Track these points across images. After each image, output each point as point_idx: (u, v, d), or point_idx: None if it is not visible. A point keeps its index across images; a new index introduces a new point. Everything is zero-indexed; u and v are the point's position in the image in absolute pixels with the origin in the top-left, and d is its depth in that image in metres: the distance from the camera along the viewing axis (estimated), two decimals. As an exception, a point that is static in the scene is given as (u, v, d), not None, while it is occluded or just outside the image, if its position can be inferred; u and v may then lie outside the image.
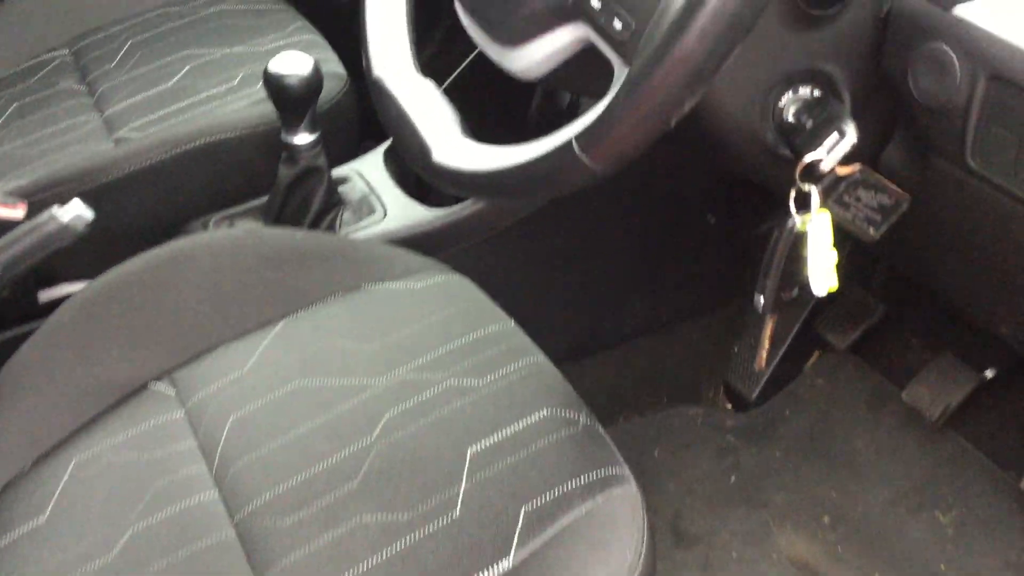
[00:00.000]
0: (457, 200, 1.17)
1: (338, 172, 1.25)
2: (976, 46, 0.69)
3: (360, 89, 1.31)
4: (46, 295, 1.22)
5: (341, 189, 1.22)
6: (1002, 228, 0.76)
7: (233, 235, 1.06)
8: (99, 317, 0.97)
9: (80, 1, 1.49)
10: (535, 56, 0.73)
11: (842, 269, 0.78)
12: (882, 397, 1.33)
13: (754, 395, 1.39)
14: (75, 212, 1.02)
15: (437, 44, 1.54)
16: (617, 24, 0.64)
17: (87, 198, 1.15)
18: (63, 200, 1.08)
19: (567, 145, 0.65)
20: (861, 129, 0.74)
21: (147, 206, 1.21)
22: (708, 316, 1.42)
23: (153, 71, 1.34)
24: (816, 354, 1.40)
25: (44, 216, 1.02)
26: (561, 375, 0.90)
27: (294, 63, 1.10)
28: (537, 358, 0.91)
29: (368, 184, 1.24)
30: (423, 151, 0.77)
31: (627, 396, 1.40)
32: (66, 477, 0.82)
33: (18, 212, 1.03)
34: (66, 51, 1.41)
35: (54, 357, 0.94)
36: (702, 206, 1.35)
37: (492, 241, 1.22)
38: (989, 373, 1.24)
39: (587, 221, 1.29)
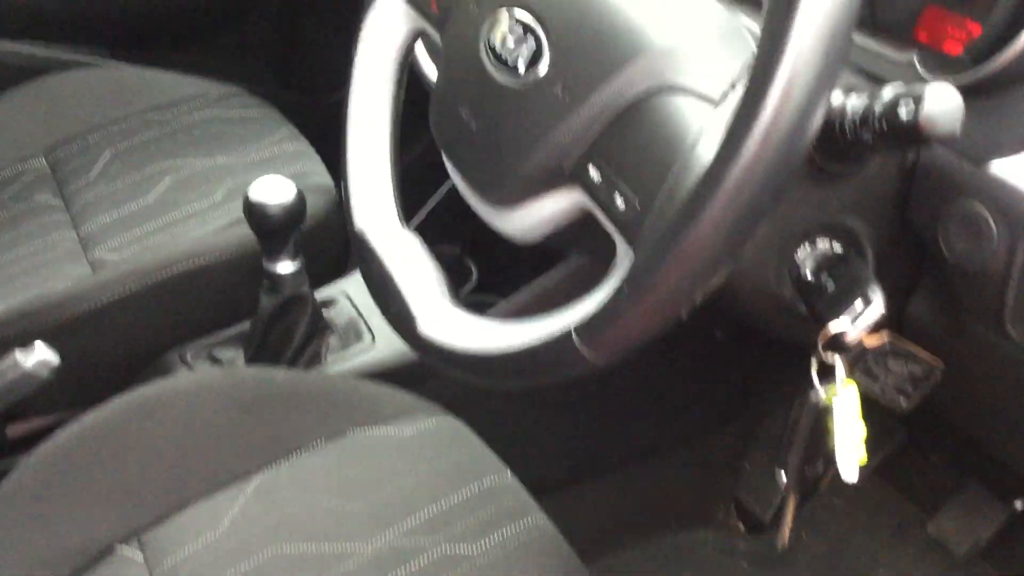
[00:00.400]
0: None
1: (324, 294, 1.19)
2: (1016, 208, 0.63)
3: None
4: (15, 430, 1.15)
5: (327, 313, 1.16)
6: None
7: (208, 378, 0.99)
8: (62, 474, 0.91)
9: (58, 106, 1.43)
10: (529, 220, 0.67)
11: (870, 440, 0.70)
12: (905, 524, 1.25)
13: (768, 516, 1.31)
14: (39, 357, 0.96)
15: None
16: (619, 201, 0.58)
17: (60, 330, 1.10)
18: (36, 334, 1.02)
19: (566, 336, 0.58)
20: (885, 283, 0.67)
21: (123, 336, 1.14)
22: (717, 432, 1.35)
23: (133, 184, 1.28)
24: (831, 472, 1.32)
25: (7, 362, 0.96)
26: (563, 539, 0.83)
27: (276, 189, 1.04)
28: (536, 519, 0.84)
29: (355, 307, 1.18)
30: (408, 320, 0.70)
31: (633, 520, 1.32)
32: None
33: None
34: (42, 160, 1.35)
35: (11, 524, 0.87)
36: (709, 321, 1.28)
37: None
38: (1019, 504, 1.16)
39: None
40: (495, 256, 1.38)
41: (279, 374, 1.00)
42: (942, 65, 0.70)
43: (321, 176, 1.27)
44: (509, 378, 0.63)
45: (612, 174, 0.59)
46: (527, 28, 0.65)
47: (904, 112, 0.55)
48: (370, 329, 1.15)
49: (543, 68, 0.64)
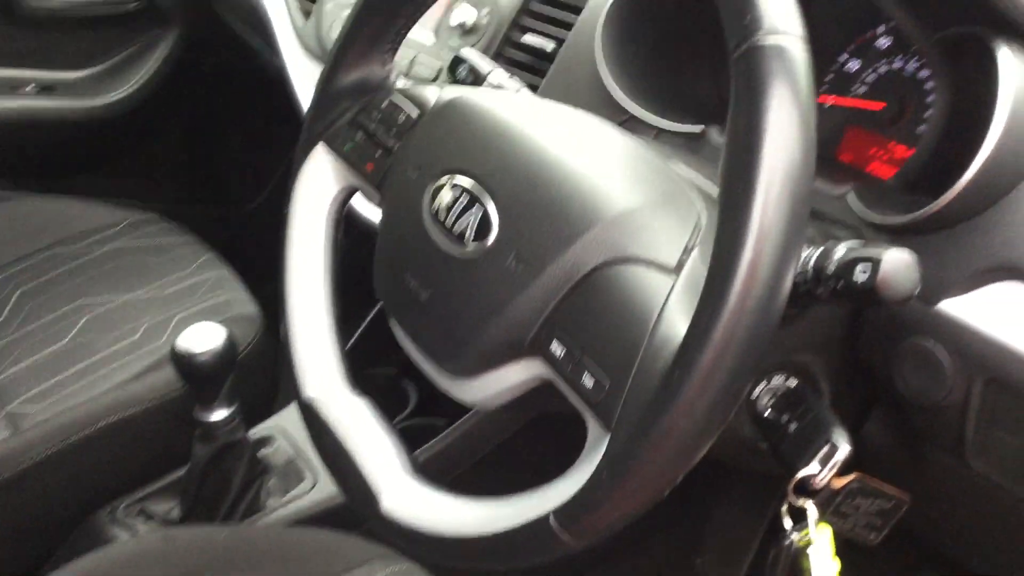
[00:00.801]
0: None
1: (259, 432, 1.15)
2: (969, 347, 0.64)
3: (276, 327, 1.22)
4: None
5: (263, 454, 1.11)
6: (1004, 518, 0.70)
7: (145, 545, 0.93)
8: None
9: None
10: (488, 390, 0.65)
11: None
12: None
13: None
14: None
15: None
16: (587, 380, 0.57)
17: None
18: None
19: (543, 520, 0.56)
20: (841, 414, 0.67)
21: (49, 498, 1.08)
22: (662, 535, 1.33)
23: (46, 326, 1.22)
24: None
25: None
26: None
27: (204, 337, 1.00)
28: None
29: (293, 444, 1.14)
30: (369, 497, 0.67)
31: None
32: None
33: None
34: (-52, 304, 1.29)
35: None
36: None
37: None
38: None
39: None
40: None
41: (220, 533, 0.95)
42: (879, 200, 0.72)
43: (245, 305, 1.24)
44: (482, 561, 0.60)
45: (577, 349, 0.58)
46: (473, 196, 0.64)
47: (860, 275, 0.55)
48: (311, 468, 1.10)
49: (492, 238, 0.63)
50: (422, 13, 0.76)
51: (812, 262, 0.59)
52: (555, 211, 0.61)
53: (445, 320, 0.65)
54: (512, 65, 0.97)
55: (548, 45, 0.95)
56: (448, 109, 0.71)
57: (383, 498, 0.67)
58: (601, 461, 0.54)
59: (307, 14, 1.20)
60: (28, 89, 1.55)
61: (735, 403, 0.52)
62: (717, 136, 0.84)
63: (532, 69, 0.95)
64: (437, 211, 0.66)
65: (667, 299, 0.56)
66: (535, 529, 0.57)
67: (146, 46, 1.63)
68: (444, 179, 0.66)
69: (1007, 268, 0.63)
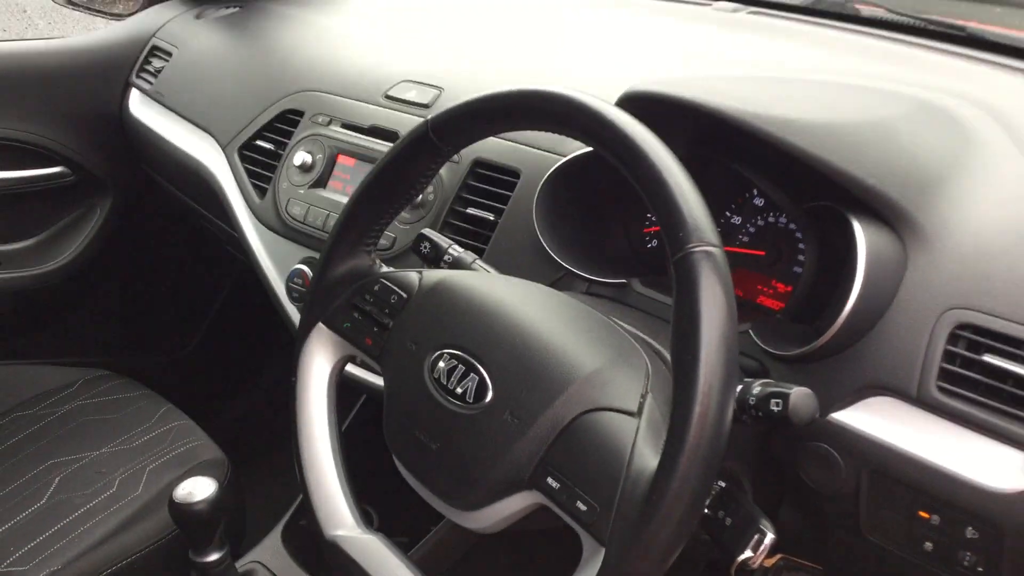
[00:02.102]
0: None
1: (242, 567, 1.26)
2: (856, 447, 0.83)
3: (238, 464, 1.34)
4: None
5: (250, 587, 1.23)
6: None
7: None
8: None
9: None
10: (493, 518, 0.81)
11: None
12: None
13: None
14: None
15: None
16: (581, 506, 0.74)
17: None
18: None
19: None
20: (761, 502, 0.86)
21: None
22: None
23: (19, 488, 1.30)
24: None
25: None
26: None
27: (197, 489, 1.12)
28: None
29: (273, 574, 1.26)
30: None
31: None
32: None
33: None
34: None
35: None
36: None
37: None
38: None
39: None
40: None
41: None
42: (773, 333, 0.92)
43: (210, 451, 1.35)
44: None
45: (570, 483, 0.75)
46: (468, 365, 0.81)
47: (774, 407, 0.74)
48: (294, 596, 1.23)
49: (489, 397, 0.80)
50: (399, 214, 0.94)
51: (754, 400, 0.78)
52: (538, 374, 0.78)
53: (454, 465, 0.81)
54: (457, 233, 1.15)
55: (489, 216, 1.13)
56: (435, 291, 0.88)
57: None
58: (600, 570, 0.71)
59: (261, 192, 1.36)
60: (-27, 261, 1.65)
61: (699, 514, 0.70)
62: (639, 286, 1.03)
63: (476, 235, 1.13)
64: (438, 378, 0.83)
65: (635, 438, 0.74)
66: None
67: (83, 214, 1.75)
68: (442, 352, 0.83)
69: (877, 385, 0.84)
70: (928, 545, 0.82)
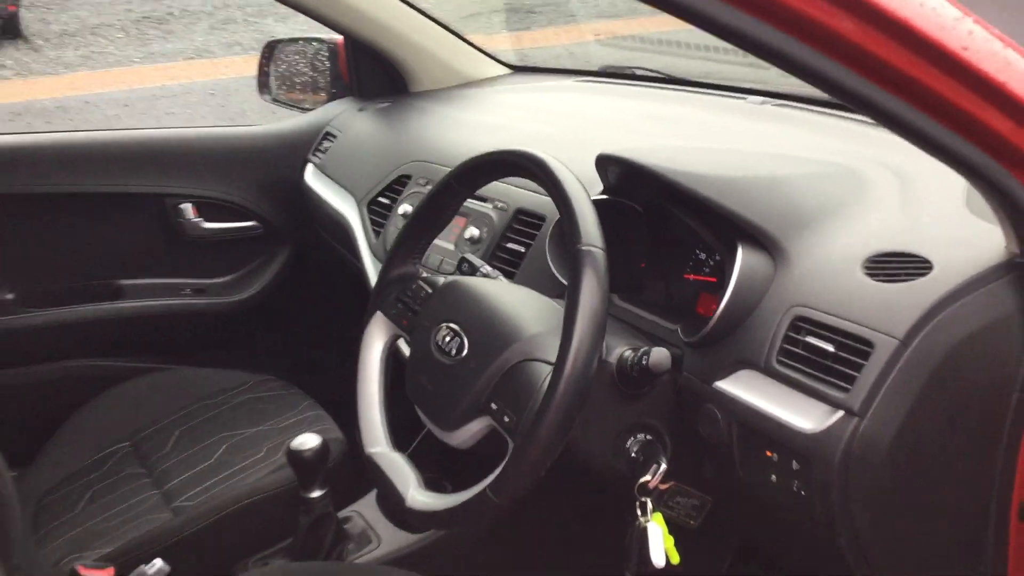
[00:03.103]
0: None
1: (343, 514, 1.67)
2: (729, 406, 1.16)
3: (355, 447, 1.76)
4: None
5: (346, 527, 1.64)
6: (766, 512, 1.19)
7: (269, 571, 1.46)
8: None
9: (137, 402, 1.95)
10: (463, 436, 1.19)
11: (680, 548, 1.19)
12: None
13: None
14: (157, 567, 1.43)
15: None
16: (507, 419, 1.11)
17: (162, 555, 1.56)
18: (139, 562, 1.48)
19: (483, 494, 1.09)
20: (681, 457, 1.19)
21: (202, 557, 1.61)
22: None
23: (197, 452, 1.78)
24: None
25: (136, 572, 1.43)
26: None
27: (308, 441, 1.55)
28: None
29: (365, 520, 1.66)
30: (399, 501, 1.21)
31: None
32: None
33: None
34: (127, 444, 1.86)
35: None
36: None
37: (460, 552, 1.64)
38: None
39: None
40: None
41: (316, 565, 1.47)
42: (692, 330, 1.25)
43: (336, 433, 1.79)
44: (455, 524, 1.13)
45: (503, 406, 1.12)
46: (455, 333, 1.20)
47: (643, 360, 1.09)
48: (377, 535, 1.62)
49: (464, 352, 1.18)
50: (438, 235, 1.35)
51: (632, 359, 1.13)
52: (496, 336, 1.16)
53: (440, 400, 1.20)
54: (500, 263, 1.55)
55: (521, 248, 1.53)
56: (449, 287, 1.28)
57: (407, 498, 1.20)
58: (511, 455, 1.07)
59: (377, 234, 1.83)
60: (186, 291, 2.20)
61: (572, 422, 1.05)
62: (617, 300, 1.39)
63: (511, 263, 1.53)
64: (438, 342, 1.22)
65: (543, 377, 1.10)
66: (479, 501, 1.09)
67: (267, 259, 2.28)
68: (442, 325, 1.23)
69: (742, 361, 1.16)
70: (773, 477, 1.13)
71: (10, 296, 2.05)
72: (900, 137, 0.92)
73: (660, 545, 1.17)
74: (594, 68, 2.26)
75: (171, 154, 2.17)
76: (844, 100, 0.87)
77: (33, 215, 2.05)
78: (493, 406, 1.14)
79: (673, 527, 1.20)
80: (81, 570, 1.43)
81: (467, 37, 2.22)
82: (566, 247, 1.12)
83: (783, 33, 0.79)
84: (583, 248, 1.07)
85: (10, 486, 1.31)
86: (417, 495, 1.20)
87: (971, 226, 1.16)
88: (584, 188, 1.13)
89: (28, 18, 12.26)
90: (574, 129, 1.80)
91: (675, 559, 1.19)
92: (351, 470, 1.75)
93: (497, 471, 1.10)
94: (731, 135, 1.67)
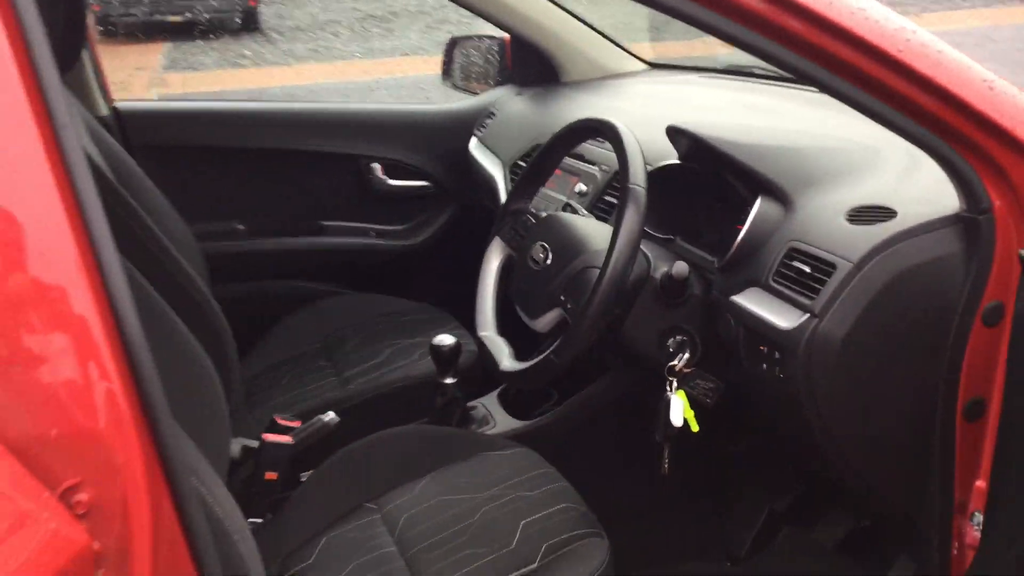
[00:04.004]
0: (533, 417, 2.06)
1: (470, 404, 2.16)
2: (738, 314, 1.56)
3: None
4: (304, 476, 2.13)
5: (472, 412, 2.12)
6: (770, 397, 1.58)
7: (405, 430, 1.96)
8: (333, 472, 1.86)
9: (327, 316, 2.50)
10: (542, 323, 1.65)
11: (699, 420, 1.61)
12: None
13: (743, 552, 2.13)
14: (331, 416, 1.95)
15: None
16: (569, 305, 1.55)
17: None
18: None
19: (547, 358, 1.54)
20: (707, 355, 1.61)
21: (361, 421, 2.12)
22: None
23: (368, 352, 2.31)
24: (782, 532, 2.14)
25: (316, 420, 1.96)
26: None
27: (445, 339, 2.03)
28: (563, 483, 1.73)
29: (487, 409, 2.14)
30: (495, 366, 1.68)
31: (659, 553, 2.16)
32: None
33: (287, 439, 1.94)
34: (318, 344, 2.41)
35: (320, 488, 1.83)
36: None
37: (560, 438, 2.09)
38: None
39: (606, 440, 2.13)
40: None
41: (448, 428, 1.95)
42: (716, 253, 1.66)
43: (468, 340, 2.27)
44: (533, 380, 1.59)
45: (568, 298, 1.57)
46: (544, 248, 1.66)
47: (674, 272, 1.52)
48: (494, 419, 2.10)
49: (549, 262, 1.64)
50: (546, 180, 1.82)
51: (663, 272, 1.56)
52: (570, 250, 1.61)
53: (530, 295, 1.66)
54: (599, 211, 1.99)
55: (614, 200, 1.97)
56: (545, 219, 1.74)
57: (501, 364, 1.67)
58: (569, 329, 1.52)
59: (515, 189, 2.31)
60: (371, 233, 2.75)
61: (611, 307, 1.49)
62: (680, 242, 1.80)
63: (608, 211, 1.97)
64: (533, 255, 1.68)
65: (597, 277, 1.54)
66: (547, 361, 1.55)
67: (436, 212, 2.81)
68: (537, 243, 1.69)
69: (751, 281, 1.56)
70: (764, 366, 1.52)
71: (242, 227, 2.65)
72: (860, 112, 1.30)
73: (680, 412, 1.59)
74: (719, 66, 2.64)
75: (368, 124, 2.72)
76: (821, 89, 1.27)
77: (263, 165, 2.65)
78: (563, 298, 1.59)
79: (696, 405, 1.61)
80: (277, 419, 1.97)
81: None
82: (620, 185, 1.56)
83: (760, 35, 1.21)
84: (630, 186, 1.51)
85: (236, 370, 1.86)
86: (507, 362, 1.67)
87: (942, 191, 1.52)
88: (639, 146, 1.56)
89: (266, 13, 13.59)
90: (679, 112, 2.22)
91: (694, 428, 1.60)
92: (478, 372, 2.23)
93: (557, 342, 1.55)
94: (798, 118, 2.04)
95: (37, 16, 0.80)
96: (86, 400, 0.81)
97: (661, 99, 2.41)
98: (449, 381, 2.05)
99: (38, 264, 0.81)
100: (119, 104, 2.52)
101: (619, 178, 1.55)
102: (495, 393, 2.20)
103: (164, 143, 2.57)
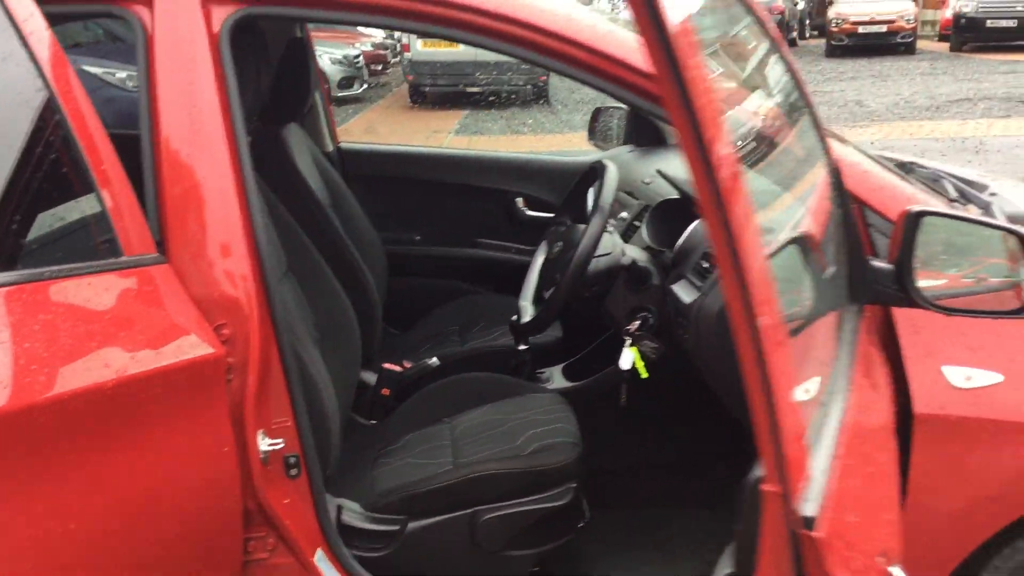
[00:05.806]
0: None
1: (540, 370, 2.93)
2: (672, 297, 2.27)
3: (557, 340, 3.02)
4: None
5: (540, 375, 2.90)
6: (686, 352, 2.27)
7: (486, 375, 2.76)
8: (420, 404, 2.70)
9: (466, 309, 3.38)
10: (547, 294, 2.42)
11: (649, 368, 2.31)
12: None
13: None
14: (434, 360, 2.81)
15: None
16: (558, 282, 2.33)
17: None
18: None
19: (538, 316, 2.32)
20: (662, 327, 2.32)
21: (463, 371, 2.94)
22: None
23: (489, 332, 3.11)
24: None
25: (423, 362, 2.82)
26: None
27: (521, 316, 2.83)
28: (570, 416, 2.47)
29: (551, 374, 2.91)
30: (519, 320, 2.47)
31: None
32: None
33: (399, 367, 2.81)
34: (456, 327, 3.27)
35: (415, 407, 2.67)
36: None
37: (586, 396, 2.81)
38: None
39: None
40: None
41: (505, 377, 2.75)
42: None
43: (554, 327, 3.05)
44: (529, 329, 2.37)
45: (560, 278, 2.34)
46: (559, 246, 2.45)
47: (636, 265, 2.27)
48: (552, 380, 2.87)
49: (556, 254, 2.42)
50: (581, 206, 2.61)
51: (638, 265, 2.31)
52: (569, 248, 2.39)
53: (546, 277, 2.45)
54: (630, 231, 2.73)
55: (637, 224, 2.70)
56: (566, 228, 2.52)
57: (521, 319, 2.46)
58: (550, 297, 2.30)
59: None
60: (512, 251, 3.60)
61: (580, 287, 2.25)
62: (669, 252, 2.51)
63: (633, 231, 2.70)
64: (553, 251, 2.47)
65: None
66: (535, 319, 2.33)
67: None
68: (557, 244, 2.47)
69: (681, 275, 2.26)
70: (684, 332, 2.21)
71: (418, 237, 3.59)
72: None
73: (629, 359, 2.30)
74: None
75: (515, 167, 3.61)
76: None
77: (436, 194, 3.58)
78: (557, 277, 2.36)
79: (645, 359, 2.33)
80: (384, 365, 2.84)
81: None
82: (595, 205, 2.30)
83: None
84: (600, 204, 2.26)
85: (379, 327, 2.78)
86: (523, 318, 2.45)
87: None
88: (616, 181, 2.31)
89: (558, 87, 14.91)
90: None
91: (643, 374, 2.31)
92: (553, 350, 3.01)
93: (541, 308, 2.32)
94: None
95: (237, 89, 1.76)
96: (233, 279, 1.72)
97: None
98: (522, 348, 2.84)
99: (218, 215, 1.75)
100: (342, 144, 3.55)
101: (594, 198, 2.31)
102: (561, 365, 2.97)
103: (371, 174, 3.57)
